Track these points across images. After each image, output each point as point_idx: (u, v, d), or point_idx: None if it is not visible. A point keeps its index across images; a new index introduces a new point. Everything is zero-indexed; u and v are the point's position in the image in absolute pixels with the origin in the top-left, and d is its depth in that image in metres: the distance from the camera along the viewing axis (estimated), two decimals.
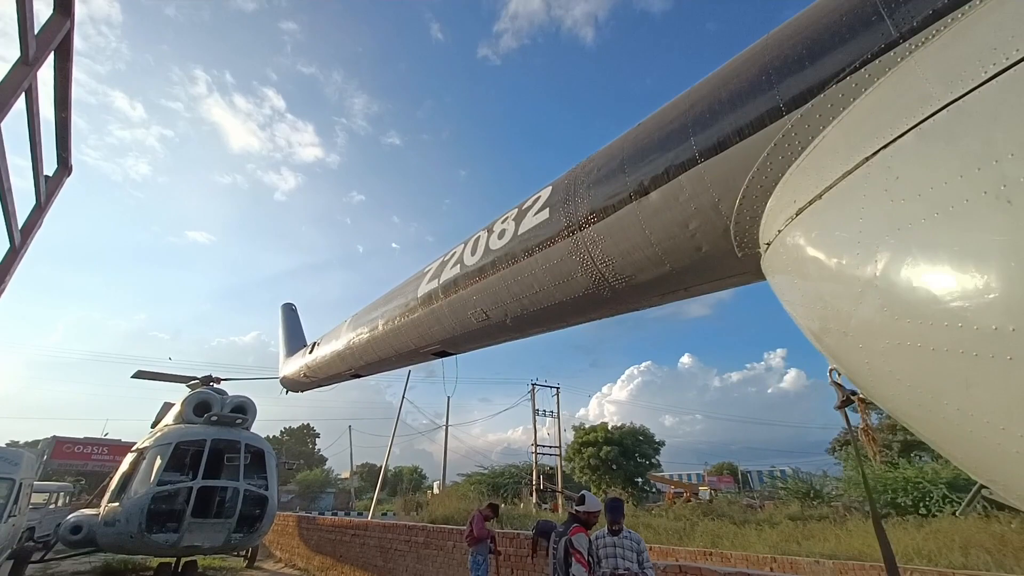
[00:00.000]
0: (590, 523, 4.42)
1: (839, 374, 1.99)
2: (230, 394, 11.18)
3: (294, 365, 7.80)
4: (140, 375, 12.25)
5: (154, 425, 12.21)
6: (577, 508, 4.50)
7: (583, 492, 4.83)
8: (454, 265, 4.02)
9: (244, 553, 11.03)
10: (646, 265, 2.66)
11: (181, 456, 8.71)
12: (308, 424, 66.72)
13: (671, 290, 2.79)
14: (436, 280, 4.20)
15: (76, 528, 8.39)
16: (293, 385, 8.20)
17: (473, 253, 3.82)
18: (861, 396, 1.89)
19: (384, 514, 29.24)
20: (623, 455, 30.00)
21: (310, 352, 7.03)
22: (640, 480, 30.62)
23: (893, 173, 1.39)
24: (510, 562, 7.43)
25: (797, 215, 1.83)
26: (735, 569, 5.64)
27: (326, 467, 61.72)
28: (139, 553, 8.20)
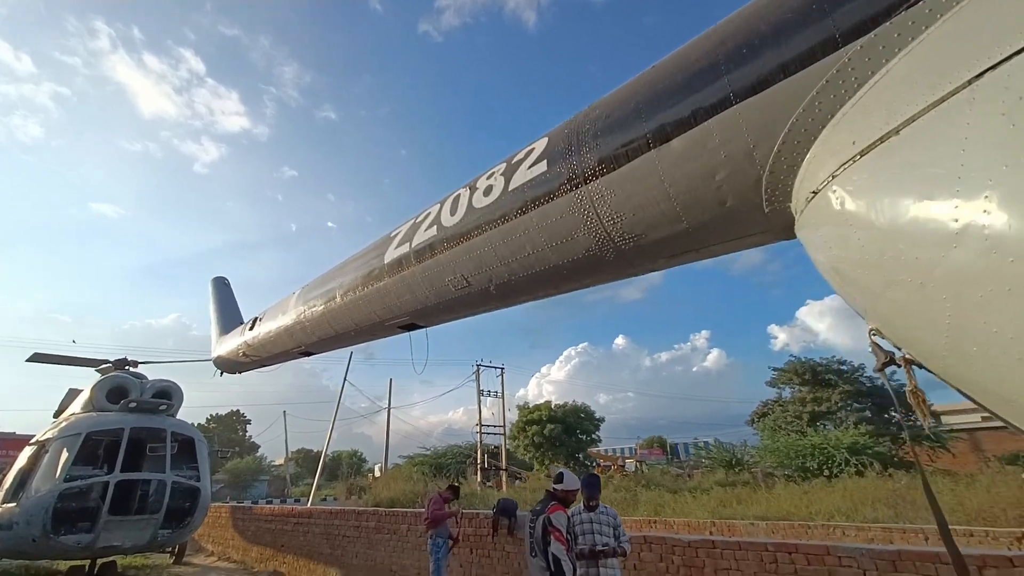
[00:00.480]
0: (568, 501, 4.28)
1: (880, 335, 1.87)
2: (150, 379, 10.02)
3: (231, 344, 7.01)
4: (37, 358, 10.64)
5: (57, 415, 10.72)
6: (555, 487, 4.34)
7: (561, 470, 4.68)
8: (429, 227, 3.62)
9: (171, 549, 10.07)
10: (660, 222, 2.44)
11: (93, 448, 7.66)
12: (238, 410, 62.99)
13: (682, 251, 2.60)
14: (407, 244, 3.77)
15: None
16: (229, 366, 7.38)
17: (453, 213, 3.43)
18: (907, 357, 1.78)
19: (324, 499, 28.25)
20: (566, 432, 30.83)
21: (250, 329, 6.30)
22: (581, 455, 31.66)
23: (1015, 93, 1.21)
24: (469, 542, 7.24)
25: (859, 157, 1.66)
26: (700, 536, 5.79)
27: (258, 454, 58.84)
28: (44, 558, 7.14)
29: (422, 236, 3.66)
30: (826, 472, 18.23)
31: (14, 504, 6.94)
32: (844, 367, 35.26)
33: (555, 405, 32.64)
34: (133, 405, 8.23)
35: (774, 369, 35.77)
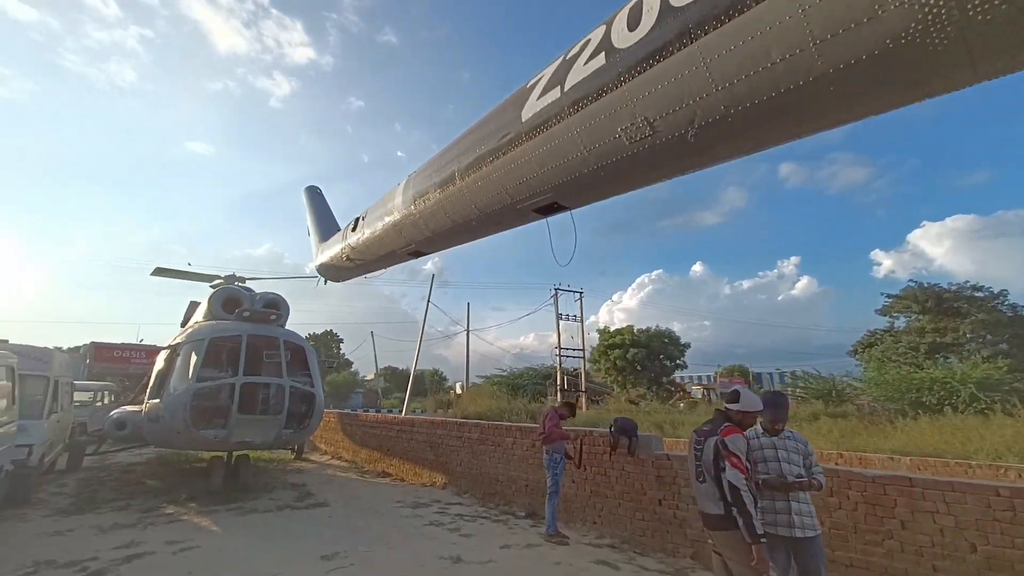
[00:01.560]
0: (745, 424, 3.48)
1: None
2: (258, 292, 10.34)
3: (333, 249, 6.72)
4: (160, 272, 11.43)
5: (183, 324, 11.64)
6: (729, 406, 3.53)
7: (736, 388, 3.85)
8: (592, 57, 2.61)
9: (292, 447, 10.94)
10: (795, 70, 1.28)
11: (217, 353, 8.04)
12: (331, 330, 68.55)
13: (809, 118, 1.48)
14: (557, 88, 2.81)
15: (120, 424, 8.02)
16: (333, 273, 7.18)
17: (633, 28, 2.38)
18: None
19: (414, 411, 30.22)
20: (649, 356, 30.09)
21: (353, 230, 5.88)
22: (665, 380, 30.98)
23: None
24: (588, 459, 6.85)
25: None
26: (888, 472, 4.84)
27: (352, 370, 64.51)
28: (188, 448, 7.87)
29: (581, 72, 2.67)
30: (946, 409, 16.10)
31: (158, 400, 7.54)
32: (980, 293, 30.74)
33: (638, 330, 31.75)
34: (247, 314, 8.50)
35: (888, 296, 31.87)
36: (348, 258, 6.19)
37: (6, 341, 8.72)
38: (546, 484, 6.52)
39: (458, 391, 47.04)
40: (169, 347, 8.47)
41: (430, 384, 57.16)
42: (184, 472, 10.60)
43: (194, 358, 7.56)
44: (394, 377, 65.30)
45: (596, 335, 35.11)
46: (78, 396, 13.15)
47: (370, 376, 61.86)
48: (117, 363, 35.61)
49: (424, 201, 4.33)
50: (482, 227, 4.30)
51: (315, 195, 8.94)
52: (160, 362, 9.32)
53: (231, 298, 9.32)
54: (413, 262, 7.76)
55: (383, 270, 6.49)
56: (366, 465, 12.77)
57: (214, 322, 8.59)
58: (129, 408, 8.85)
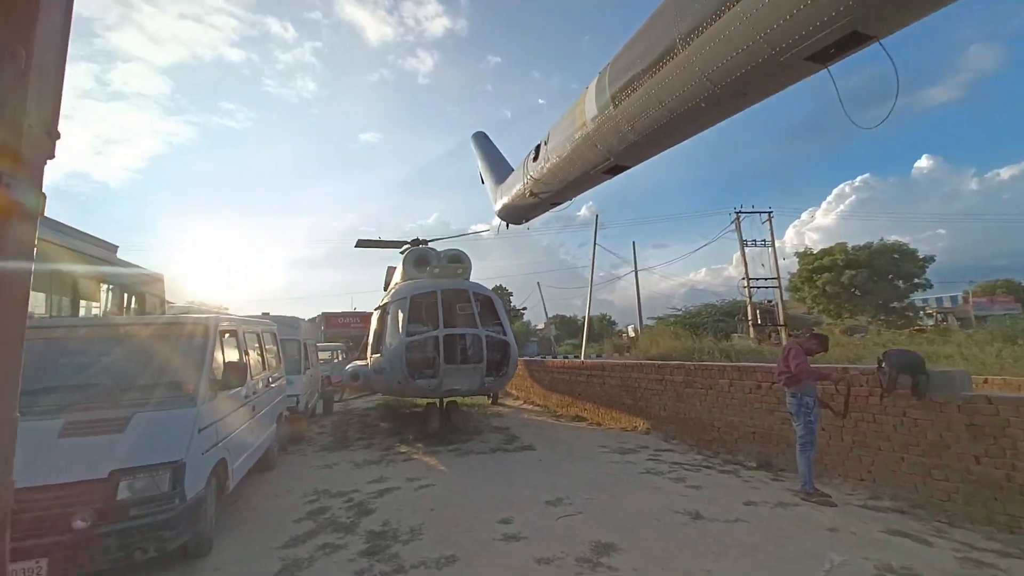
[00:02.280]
0: None
1: None
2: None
3: (513, 188, 6.36)
4: (361, 244, 12.86)
5: (385, 287, 13.02)
6: None
7: None
8: None
9: (490, 393, 11.59)
10: None
11: (417, 309, 8.58)
12: (500, 284, 72.85)
13: None
14: None
15: (355, 375, 9.33)
16: (515, 214, 6.87)
17: None
18: None
19: (592, 356, 30.31)
20: (872, 278, 24.42)
21: (535, 159, 5.34)
22: (897, 305, 24.97)
23: None
24: (858, 403, 5.43)
25: None
26: None
27: (524, 320, 68.05)
28: (407, 395, 8.77)
29: None
30: None
31: (379, 355, 8.42)
32: None
33: (853, 247, 25.90)
34: (436, 271, 8.89)
35: None
36: (531, 193, 5.71)
37: (267, 313, 10.68)
38: (795, 433, 5.36)
39: (631, 333, 46.00)
40: (380, 308, 9.42)
41: (598, 329, 57.08)
42: (405, 416, 12.06)
43: (401, 315, 8.15)
44: (563, 324, 67.04)
45: (794, 260, 30.03)
46: (321, 355, 16.01)
47: (540, 325, 64.60)
48: (341, 328, 43.37)
49: (627, 95, 3.41)
50: (715, 108, 3.18)
51: (483, 140, 8.76)
52: (374, 322, 10.49)
53: (420, 257, 9.92)
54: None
55: (569, 201, 5.83)
56: (558, 409, 12.95)
57: (411, 281, 9.21)
58: (359, 362, 10.30)
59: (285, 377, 8.39)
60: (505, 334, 8.39)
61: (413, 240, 13.12)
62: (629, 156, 4.31)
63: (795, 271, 28.98)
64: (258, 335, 6.92)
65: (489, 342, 7.90)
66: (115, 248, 9.41)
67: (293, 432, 9.07)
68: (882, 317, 25.34)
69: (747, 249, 30.73)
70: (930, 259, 24.71)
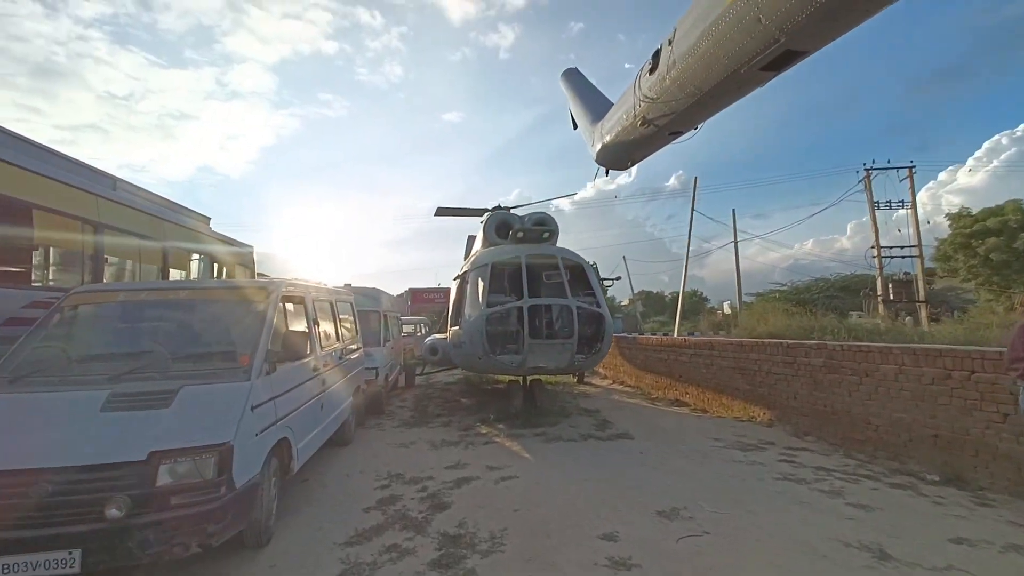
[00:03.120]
0: None
1: None
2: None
3: (616, 120, 5.06)
4: (441, 211, 12.29)
5: (466, 256, 12.38)
6: None
7: None
8: None
9: (583, 372, 10.55)
10: None
11: (499, 278, 7.71)
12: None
13: None
14: None
15: (433, 350, 8.79)
16: (618, 153, 5.55)
17: None
18: None
19: (690, 333, 28.00)
20: None
21: (651, 69, 4.03)
22: None
23: None
24: None
25: None
26: None
27: (609, 296, 65.68)
28: (488, 371, 8.02)
29: None
30: None
31: (459, 328, 7.73)
32: None
33: None
34: (520, 235, 7.96)
35: None
36: (645, 120, 4.36)
37: (349, 284, 10.48)
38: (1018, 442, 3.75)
39: (726, 311, 42.40)
40: (459, 277, 8.73)
41: (689, 305, 53.45)
42: (486, 392, 11.46)
43: (481, 284, 7.35)
44: (649, 301, 63.85)
45: (930, 227, 25.09)
46: (405, 328, 15.96)
47: (625, 302, 62.01)
48: (426, 302, 44.70)
49: None
50: None
51: (575, 77, 7.46)
52: (453, 292, 9.87)
53: (503, 221, 9.04)
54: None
55: (695, 130, 4.37)
56: (653, 392, 11.64)
57: (493, 248, 8.36)
58: (439, 336, 9.77)
59: (363, 349, 8.02)
60: (599, 306, 7.26)
61: (494, 207, 12.30)
62: (811, 32, 2.91)
63: (942, 238, 24.10)
64: (332, 304, 6.47)
65: (581, 314, 6.82)
66: (208, 220, 9.58)
67: (372, 405, 8.78)
68: None
69: (877, 213, 26.37)
70: None
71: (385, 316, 10.12)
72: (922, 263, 25.03)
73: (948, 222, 23.53)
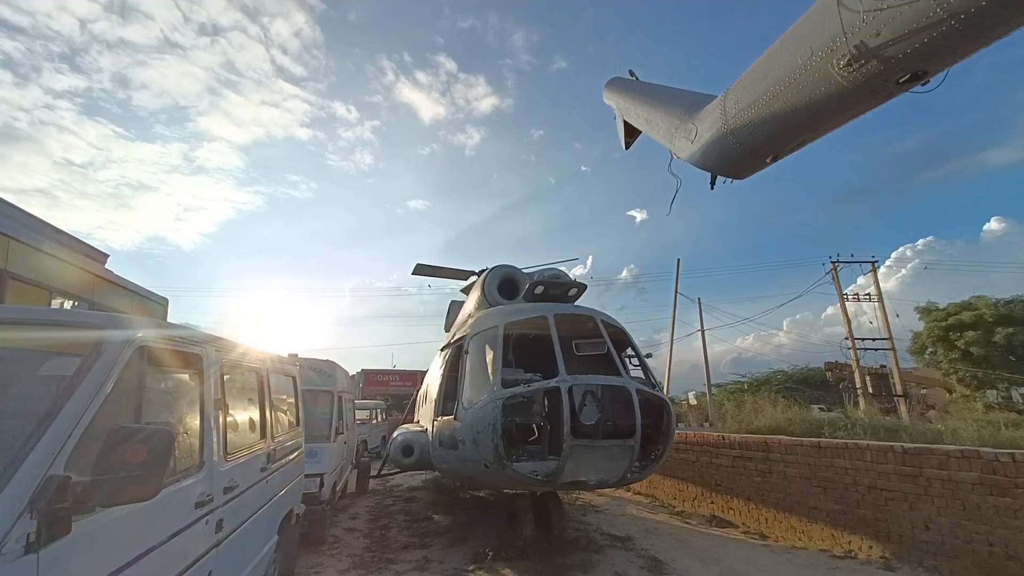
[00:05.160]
0: None
1: None
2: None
3: (776, 78, 3.08)
4: (420, 270, 10.20)
5: (448, 327, 10.10)
6: None
7: None
8: None
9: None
10: None
11: (513, 346, 5.51)
12: None
13: None
14: None
15: (406, 448, 6.17)
16: (756, 139, 3.57)
17: None
18: None
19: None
20: None
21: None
22: None
23: None
24: None
25: None
26: None
27: None
28: (497, 487, 5.44)
29: None
30: None
31: (452, 419, 5.29)
32: None
33: (998, 301, 20.87)
34: (540, 291, 5.87)
35: None
36: (862, 54, 2.59)
37: (295, 355, 7.80)
38: None
39: (691, 401, 41.14)
40: (447, 347, 6.42)
41: None
42: (468, 505, 8.67)
43: (490, 355, 5.10)
44: None
45: (915, 316, 25.31)
46: (358, 414, 13.00)
47: None
48: (380, 386, 40.77)
49: None
50: None
51: (626, 83, 5.74)
52: (434, 370, 7.48)
53: (508, 277, 6.99)
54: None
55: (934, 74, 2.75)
56: (677, 503, 9.25)
57: (500, 307, 6.23)
58: (413, 428, 7.15)
59: (304, 448, 5.40)
60: (656, 387, 5.15)
61: (481, 270, 10.38)
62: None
63: (917, 331, 24.09)
64: (262, 378, 4.04)
65: (642, 402, 4.62)
66: (104, 256, 7.06)
67: (310, 531, 5.97)
68: None
69: (843, 304, 26.51)
70: None
71: (340, 398, 7.51)
72: (895, 356, 24.79)
73: (918, 315, 23.78)
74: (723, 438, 8.43)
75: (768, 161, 3.08)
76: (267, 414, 3.95)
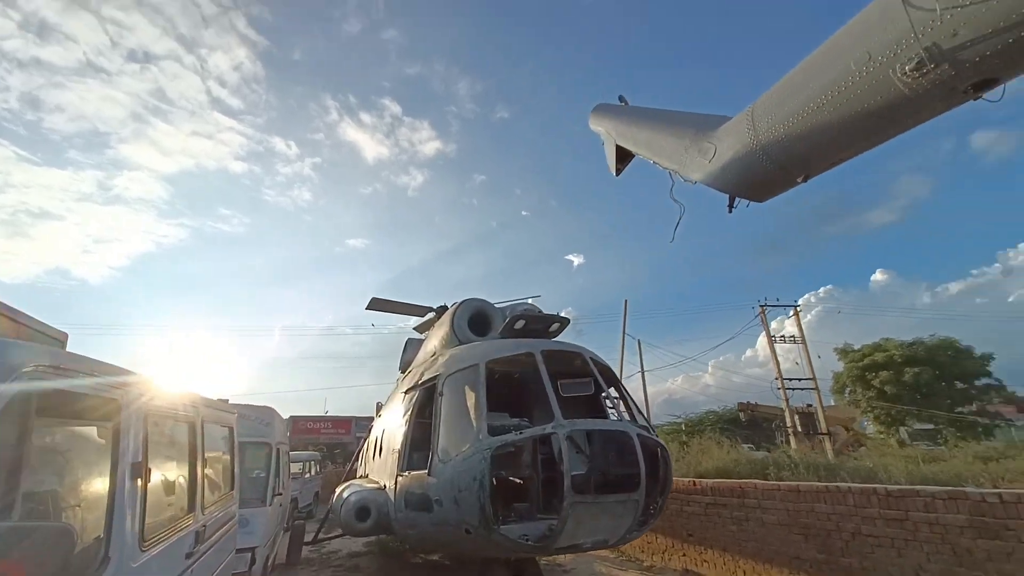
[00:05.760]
0: None
1: None
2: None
3: (819, 86, 2.78)
4: (375, 305, 9.35)
5: (403, 367, 9.22)
6: None
7: None
8: None
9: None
10: None
11: (494, 388, 4.89)
12: None
13: None
14: None
15: (362, 512, 5.19)
16: (791, 155, 3.24)
17: None
18: None
19: None
20: (939, 377, 21.27)
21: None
22: (964, 411, 21.64)
23: None
24: None
25: None
26: None
27: None
28: (481, 553, 4.56)
29: None
30: None
31: (422, 472, 4.51)
32: None
33: (901, 343, 23.16)
34: (520, 325, 5.36)
35: None
36: (935, 56, 2.41)
37: (226, 400, 6.64)
38: None
39: None
40: (413, 389, 5.63)
41: None
42: (423, 572, 7.64)
43: (471, 397, 4.47)
44: None
45: (834, 356, 27.24)
46: (292, 467, 11.51)
47: None
48: (310, 434, 37.49)
49: None
50: None
51: (614, 109, 5.53)
52: (392, 416, 6.63)
53: (481, 311, 6.40)
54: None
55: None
56: (645, 556, 8.75)
57: (476, 344, 5.61)
58: (367, 486, 6.11)
59: (237, 515, 4.41)
60: (652, 431, 4.72)
61: (439, 308, 9.75)
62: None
63: (837, 371, 25.96)
64: (193, 428, 3.19)
65: (644, 449, 4.16)
66: None
67: None
68: (941, 423, 21.94)
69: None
70: (988, 357, 22.14)
71: (277, 451, 6.42)
72: (819, 395, 26.43)
73: (837, 356, 25.69)
74: (694, 483, 8.13)
75: (799, 181, 2.91)
76: (199, 479, 3.09)
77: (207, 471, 3.50)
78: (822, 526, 5.92)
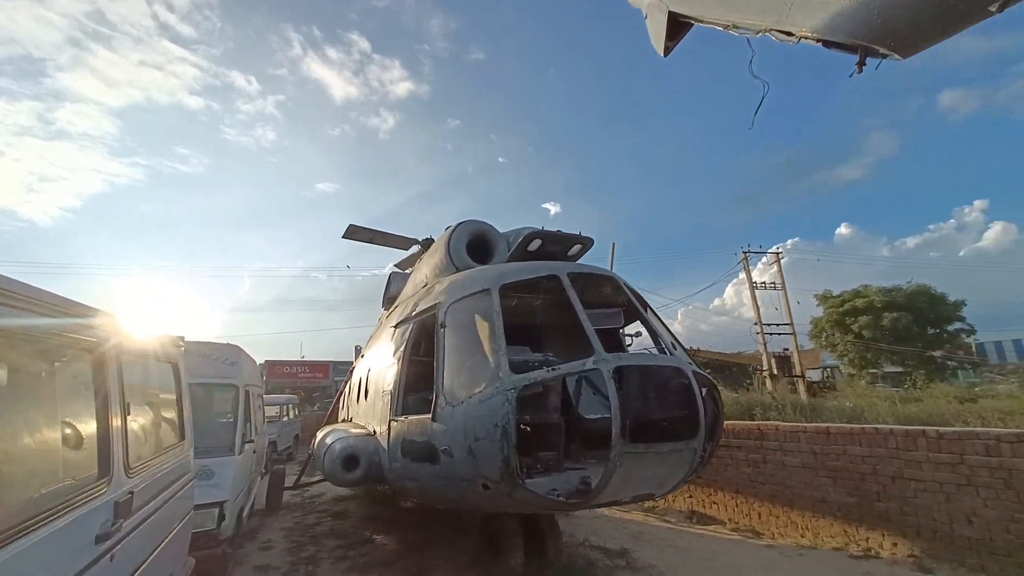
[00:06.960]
0: None
1: None
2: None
3: None
4: (352, 232, 8.22)
5: (387, 303, 8.27)
6: None
7: None
8: None
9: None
10: None
11: (511, 317, 4.01)
12: None
13: None
14: None
15: (350, 461, 4.38)
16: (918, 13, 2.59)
17: None
18: None
19: None
20: (917, 322, 21.71)
21: None
22: (939, 355, 22.36)
23: None
24: None
25: None
26: None
27: None
28: (499, 509, 3.83)
29: None
30: None
31: (424, 417, 3.69)
32: None
33: (878, 289, 23.43)
34: (536, 246, 4.43)
35: None
36: None
37: (182, 338, 5.53)
38: None
39: None
40: (406, 321, 4.69)
41: None
42: (420, 520, 7.09)
43: (484, 328, 3.60)
44: None
45: (740, 313, 27.48)
46: (267, 411, 10.69)
47: None
48: (286, 378, 36.86)
49: None
50: None
51: None
52: (379, 354, 5.75)
53: (481, 235, 5.37)
54: None
55: None
56: (663, 503, 8.44)
57: (485, 267, 4.67)
58: (353, 431, 5.30)
59: (192, 472, 3.55)
60: (698, 367, 3.98)
61: (425, 240, 8.68)
62: None
63: (816, 317, 26.34)
64: (101, 363, 2.20)
65: (701, 386, 3.41)
66: None
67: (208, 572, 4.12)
68: (910, 365, 22.60)
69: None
70: (961, 303, 22.66)
71: (247, 394, 5.52)
72: (795, 339, 26.91)
73: (816, 302, 25.96)
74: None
75: (994, 9, 1.97)
76: (117, 433, 2.14)
77: (139, 421, 2.57)
78: (856, 469, 5.48)
